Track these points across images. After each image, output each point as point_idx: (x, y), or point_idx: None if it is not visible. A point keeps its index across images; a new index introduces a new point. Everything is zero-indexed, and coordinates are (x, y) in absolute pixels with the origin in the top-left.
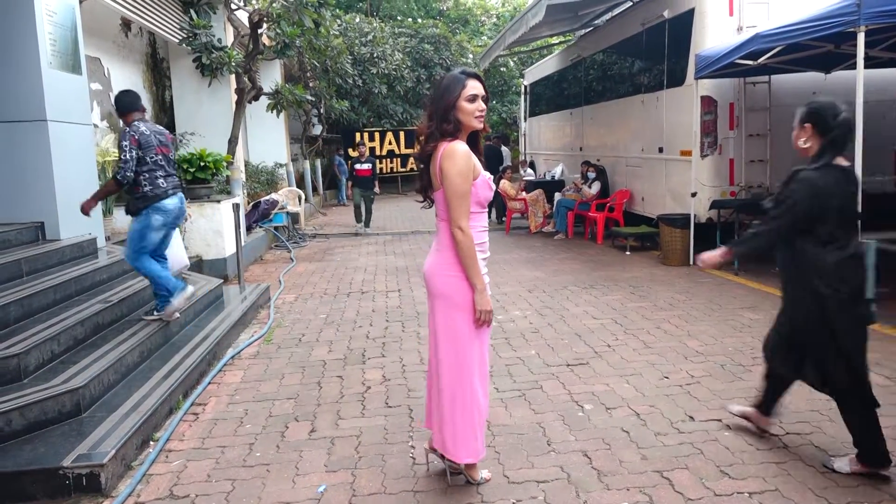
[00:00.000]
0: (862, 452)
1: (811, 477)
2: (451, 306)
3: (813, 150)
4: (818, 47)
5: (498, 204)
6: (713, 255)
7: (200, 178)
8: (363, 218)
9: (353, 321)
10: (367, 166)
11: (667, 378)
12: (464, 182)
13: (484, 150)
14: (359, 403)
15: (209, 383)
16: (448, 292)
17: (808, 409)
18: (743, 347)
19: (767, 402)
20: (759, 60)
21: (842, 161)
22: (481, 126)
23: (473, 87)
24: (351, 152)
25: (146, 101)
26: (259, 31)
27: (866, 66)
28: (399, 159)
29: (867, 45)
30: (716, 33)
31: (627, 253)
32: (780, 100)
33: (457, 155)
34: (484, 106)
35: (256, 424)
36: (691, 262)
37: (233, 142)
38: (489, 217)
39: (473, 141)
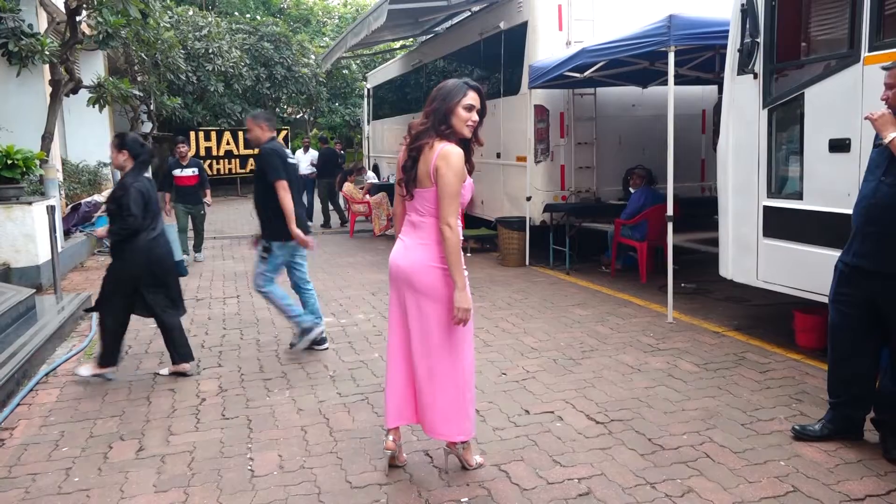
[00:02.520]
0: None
1: (632, 460)
2: (440, 298)
3: (127, 167)
4: (636, 63)
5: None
6: None
7: (7, 178)
8: (192, 244)
9: (186, 330)
10: (191, 172)
11: (504, 374)
12: (457, 182)
13: (323, 153)
14: (193, 417)
15: (17, 405)
16: (438, 285)
17: (630, 396)
18: (573, 342)
19: None
20: (586, 73)
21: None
22: (469, 134)
23: (472, 98)
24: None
25: None
26: (77, 18)
27: (677, 83)
28: (238, 160)
29: (677, 63)
30: (547, 46)
31: (468, 254)
32: (605, 110)
33: (453, 157)
34: (477, 118)
35: (75, 447)
36: (527, 263)
37: (47, 138)
38: (328, 223)
39: (463, 148)
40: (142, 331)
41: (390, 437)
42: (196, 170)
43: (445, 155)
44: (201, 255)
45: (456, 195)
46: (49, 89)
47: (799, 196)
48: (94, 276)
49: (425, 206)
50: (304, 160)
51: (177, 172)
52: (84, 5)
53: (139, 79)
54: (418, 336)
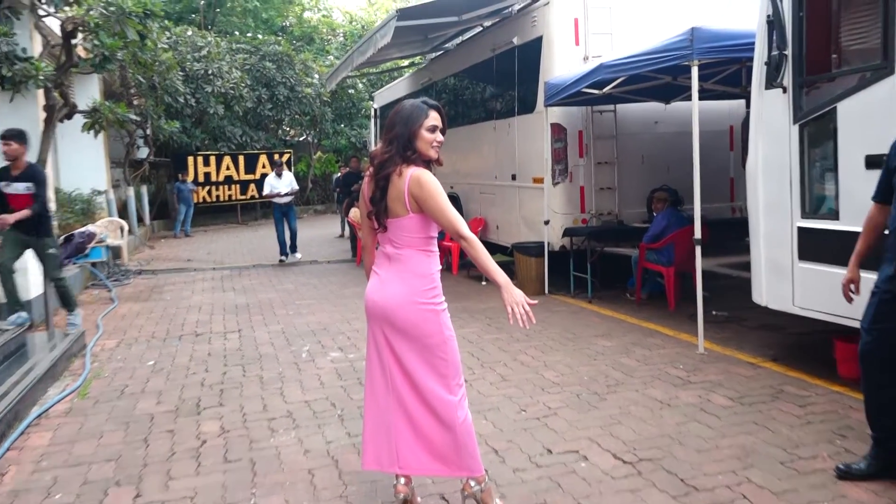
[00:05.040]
0: None
1: (664, 502)
2: (423, 335)
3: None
4: (658, 79)
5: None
6: None
7: None
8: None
9: (185, 367)
10: (23, 188)
11: (524, 411)
12: (443, 195)
13: (346, 176)
14: (193, 460)
15: (8, 449)
16: (420, 322)
17: (659, 434)
18: (597, 375)
19: None
20: (605, 90)
21: None
22: (435, 156)
23: (434, 118)
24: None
25: None
26: (73, 41)
27: (702, 98)
28: (238, 186)
29: (702, 77)
30: (563, 62)
31: (483, 283)
32: (626, 128)
33: (426, 178)
34: (441, 138)
35: (69, 493)
36: (546, 291)
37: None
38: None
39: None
40: (138, 369)
41: (401, 481)
42: (31, 185)
43: (418, 179)
44: (24, 318)
45: (449, 206)
46: (43, 115)
47: (835, 216)
48: (87, 311)
49: (402, 237)
50: (281, 185)
51: (3, 187)
52: (80, 28)
53: (136, 102)
54: (401, 377)
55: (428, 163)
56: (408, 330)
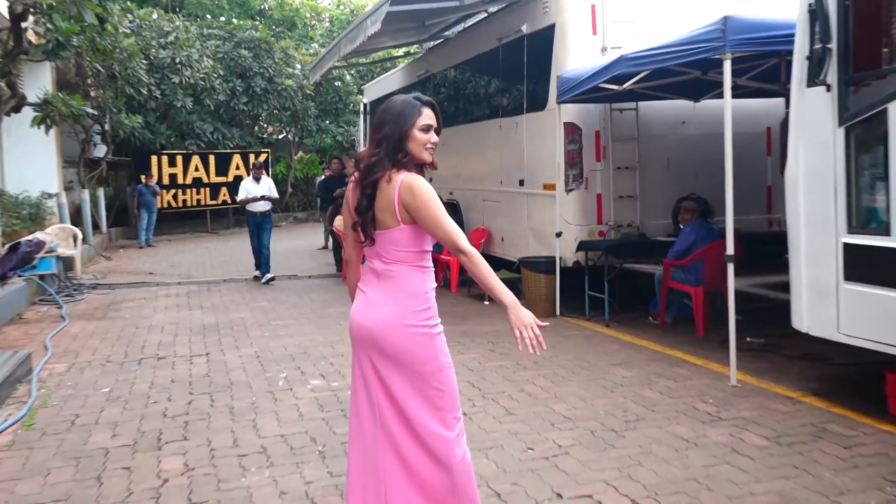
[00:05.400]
0: None
1: None
2: (417, 363)
3: None
4: (686, 73)
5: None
6: None
7: None
8: None
9: (145, 396)
10: None
11: (531, 449)
12: (439, 204)
13: (327, 180)
14: (152, 501)
15: None
16: (413, 349)
17: (684, 477)
18: (615, 409)
19: None
20: (625, 85)
21: None
22: (430, 159)
23: (428, 116)
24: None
25: None
26: (23, 24)
27: (735, 96)
28: (208, 189)
29: (735, 73)
30: (578, 53)
31: (486, 303)
32: (649, 128)
33: (420, 185)
34: (436, 138)
35: None
36: (557, 313)
37: None
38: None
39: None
40: (91, 397)
41: None
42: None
43: (409, 186)
44: None
45: (445, 216)
46: None
47: (886, 231)
48: (34, 331)
49: (392, 252)
50: (258, 191)
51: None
52: (31, 10)
53: (93, 94)
54: (390, 409)
55: (421, 167)
56: (398, 356)
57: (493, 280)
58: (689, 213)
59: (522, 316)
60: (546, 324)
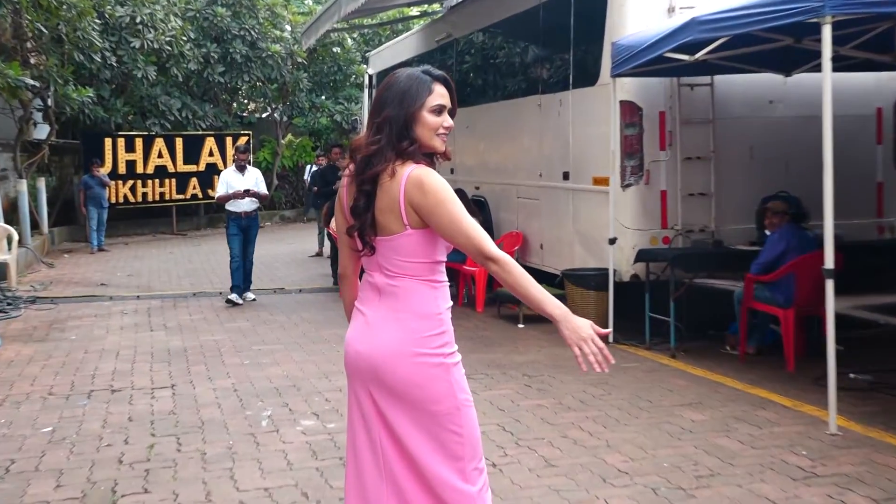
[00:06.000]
0: None
1: None
2: (428, 400)
3: None
4: (775, 40)
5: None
6: None
7: None
8: None
9: (97, 437)
10: None
11: None
12: (457, 201)
13: (322, 171)
14: None
15: None
16: (423, 381)
17: None
18: (683, 462)
19: None
20: (698, 55)
21: None
22: (442, 148)
23: (441, 94)
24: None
25: None
26: None
27: (836, 69)
28: (174, 180)
29: (836, 40)
30: (640, 15)
31: (520, 326)
32: (728, 109)
33: (431, 179)
34: (450, 122)
35: None
36: (611, 339)
37: None
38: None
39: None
40: (30, 438)
41: None
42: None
43: (418, 181)
44: None
45: (466, 216)
46: None
47: None
48: None
49: (397, 263)
50: (243, 185)
51: None
52: None
53: (33, 61)
54: (397, 458)
55: (431, 157)
56: (405, 393)
57: (534, 289)
58: (777, 217)
59: (578, 328)
60: (608, 330)
